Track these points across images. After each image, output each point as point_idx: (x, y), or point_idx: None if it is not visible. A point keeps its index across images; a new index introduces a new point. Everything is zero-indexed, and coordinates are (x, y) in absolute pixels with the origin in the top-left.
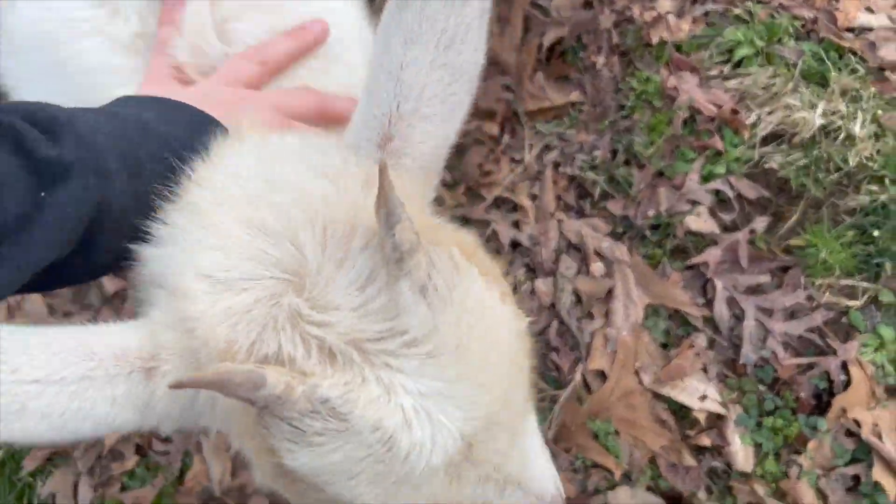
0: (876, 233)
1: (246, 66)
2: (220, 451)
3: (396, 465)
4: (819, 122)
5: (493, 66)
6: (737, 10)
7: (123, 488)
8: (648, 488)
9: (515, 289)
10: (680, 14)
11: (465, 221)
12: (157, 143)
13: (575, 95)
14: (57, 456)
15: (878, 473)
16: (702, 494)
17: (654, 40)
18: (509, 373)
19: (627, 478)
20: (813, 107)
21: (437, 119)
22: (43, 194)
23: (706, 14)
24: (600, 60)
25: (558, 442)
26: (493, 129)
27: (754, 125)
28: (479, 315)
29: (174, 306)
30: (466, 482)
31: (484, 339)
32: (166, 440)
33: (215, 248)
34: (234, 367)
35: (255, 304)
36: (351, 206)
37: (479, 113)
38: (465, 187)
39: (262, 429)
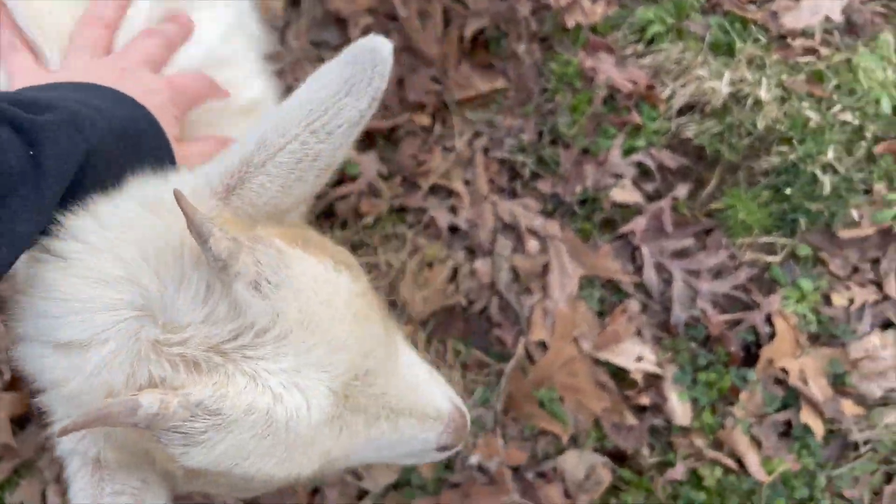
0: (788, 191)
1: (96, 34)
2: None
3: (281, 435)
4: (727, 90)
5: (419, 59)
6: None
7: None
8: (595, 449)
9: (456, 271)
10: None
11: (403, 210)
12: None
13: (500, 82)
14: (23, 468)
15: (806, 416)
16: (645, 451)
17: (571, 24)
18: (359, 327)
19: (574, 441)
20: (721, 76)
21: (277, 182)
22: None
23: None
24: (521, 48)
25: (507, 412)
26: (424, 120)
27: (669, 98)
28: (313, 289)
29: (54, 391)
30: (356, 428)
31: (325, 308)
32: None
33: (69, 313)
34: (109, 401)
35: (119, 348)
36: (178, 234)
37: (410, 105)
38: (401, 178)
39: (159, 444)
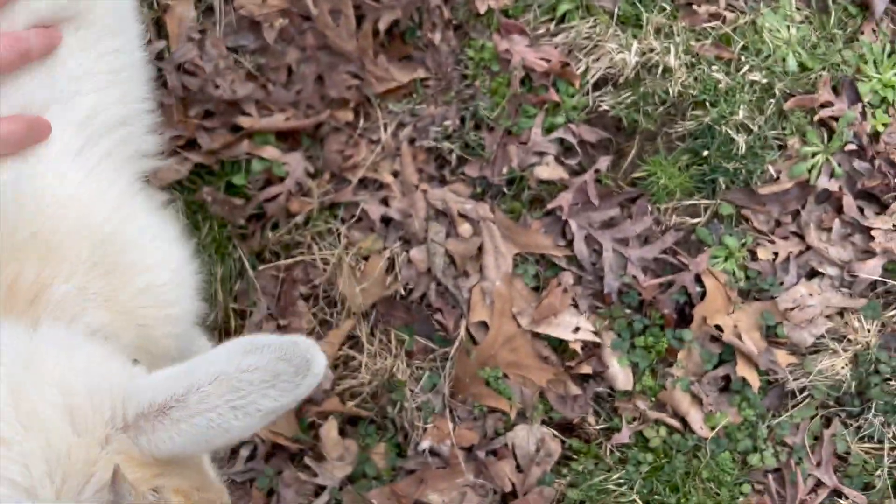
0: (706, 153)
1: None
2: None
3: None
4: (635, 59)
5: (337, 56)
6: None
7: None
8: (543, 422)
9: (393, 261)
10: None
11: (334, 206)
12: None
13: (419, 72)
14: None
15: (742, 369)
16: (591, 419)
17: (483, 9)
18: None
19: (523, 416)
20: (628, 47)
21: (186, 439)
22: None
23: None
24: (437, 36)
25: (454, 395)
26: (347, 115)
27: (584, 74)
28: None
29: None
30: None
31: None
32: None
33: None
34: None
35: None
36: (89, 460)
37: (332, 102)
38: (329, 174)
39: None
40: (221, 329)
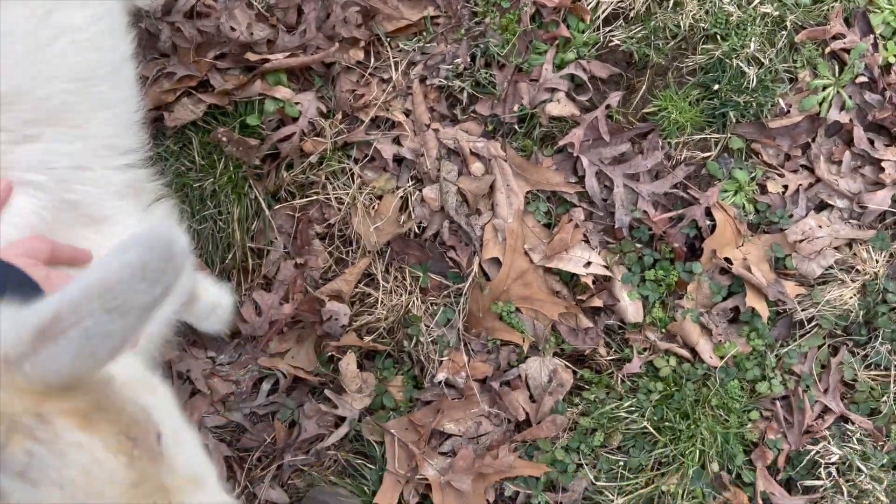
0: (717, 87)
1: None
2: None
3: None
4: None
5: None
6: None
7: None
8: (555, 354)
9: (406, 200)
10: None
11: (347, 146)
12: None
13: (429, 10)
14: None
15: (752, 300)
16: (602, 350)
17: None
18: None
19: (535, 348)
20: None
21: (69, 356)
22: None
23: None
24: None
25: (469, 329)
26: (358, 55)
27: (595, 8)
28: (83, 483)
29: None
30: None
31: (93, 500)
32: None
33: None
34: None
35: None
36: None
37: (343, 42)
38: (341, 114)
39: None
40: (239, 268)
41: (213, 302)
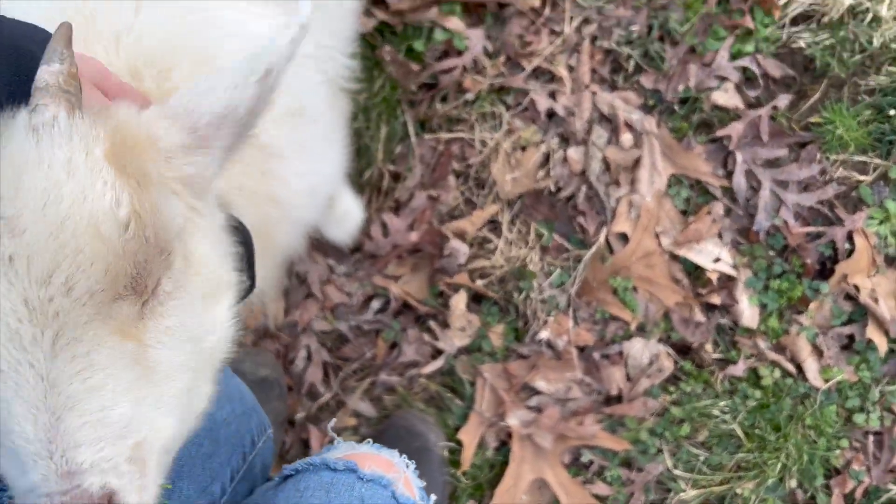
0: (892, 112)
1: None
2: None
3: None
4: (848, 2)
5: None
6: None
7: None
8: (660, 340)
9: (548, 156)
10: None
11: (504, 90)
12: None
13: None
14: None
15: (872, 332)
16: (709, 347)
17: None
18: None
19: (642, 330)
20: None
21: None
22: None
23: None
24: None
25: (581, 296)
26: (534, 2)
27: (785, 5)
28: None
29: None
30: None
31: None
32: None
33: None
34: None
35: None
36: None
37: None
38: (505, 57)
39: None
40: (375, 187)
41: (346, 210)
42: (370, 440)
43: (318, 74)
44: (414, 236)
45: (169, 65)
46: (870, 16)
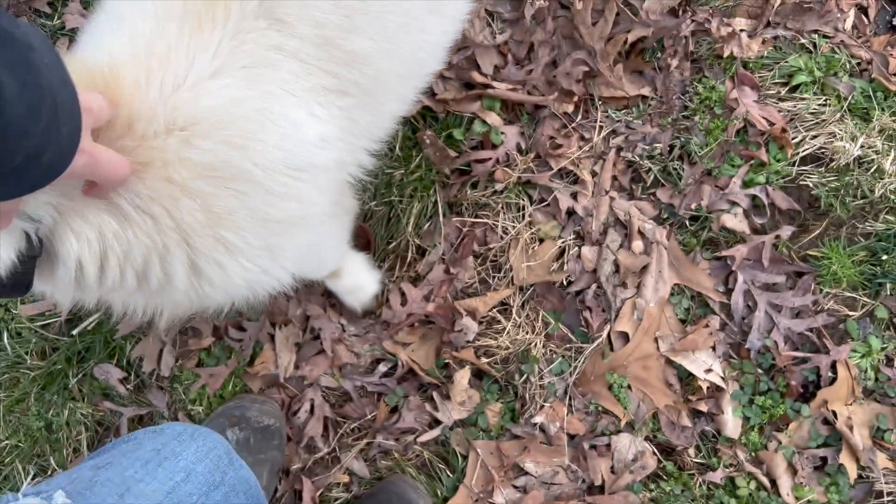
0: (884, 257)
1: None
2: (289, 344)
3: None
4: (856, 152)
5: (578, 50)
6: (803, 40)
7: (200, 363)
8: (647, 438)
9: (564, 251)
10: (752, 34)
11: (530, 184)
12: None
13: (646, 90)
14: (148, 326)
15: (844, 457)
16: (692, 451)
17: (725, 54)
18: None
19: (631, 426)
20: (854, 139)
21: None
22: None
23: (775, 38)
24: (674, 63)
25: (578, 386)
26: (568, 107)
27: (798, 144)
28: None
29: None
30: None
31: None
32: (241, 329)
33: None
34: None
35: None
36: None
37: (560, 91)
38: (535, 154)
39: None
40: (400, 256)
41: (357, 285)
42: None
43: (335, 184)
44: (430, 307)
45: (201, 134)
46: (874, 167)
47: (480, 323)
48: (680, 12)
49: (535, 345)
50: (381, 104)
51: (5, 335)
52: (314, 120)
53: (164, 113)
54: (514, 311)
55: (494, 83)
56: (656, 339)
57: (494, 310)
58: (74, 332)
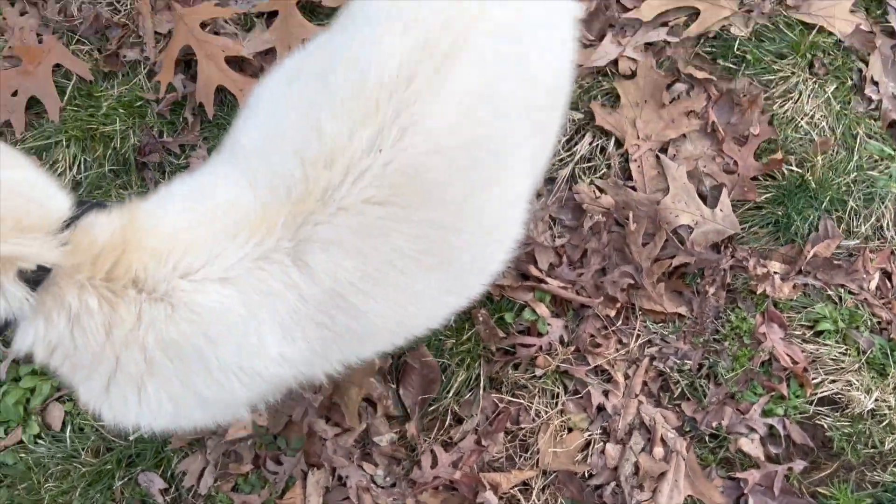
0: None
1: None
2: (319, 487)
3: None
4: (870, 405)
5: (626, 263)
6: (830, 292)
7: (236, 488)
8: None
9: (590, 444)
10: (785, 278)
11: (567, 374)
12: None
13: (683, 309)
14: (197, 442)
15: None
16: None
17: (759, 291)
18: None
19: None
20: (869, 392)
21: None
22: None
23: (805, 285)
24: (711, 290)
25: None
26: (611, 311)
27: (817, 386)
28: None
29: None
30: None
31: None
32: (278, 462)
33: None
34: None
35: None
36: None
37: (605, 296)
38: (575, 348)
39: None
40: (438, 419)
41: None
42: None
43: (271, 388)
44: (456, 474)
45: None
46: (887, 421)
47: (501, 498)
48: (722, 248)
49: None
50: (364, 346)
51: (69, 428)
52: (287, 342)
53: (165, 284)
54: (534, 493)
55: (548, 279)
56: None
57: (516, 488)
58: (131, 436)
